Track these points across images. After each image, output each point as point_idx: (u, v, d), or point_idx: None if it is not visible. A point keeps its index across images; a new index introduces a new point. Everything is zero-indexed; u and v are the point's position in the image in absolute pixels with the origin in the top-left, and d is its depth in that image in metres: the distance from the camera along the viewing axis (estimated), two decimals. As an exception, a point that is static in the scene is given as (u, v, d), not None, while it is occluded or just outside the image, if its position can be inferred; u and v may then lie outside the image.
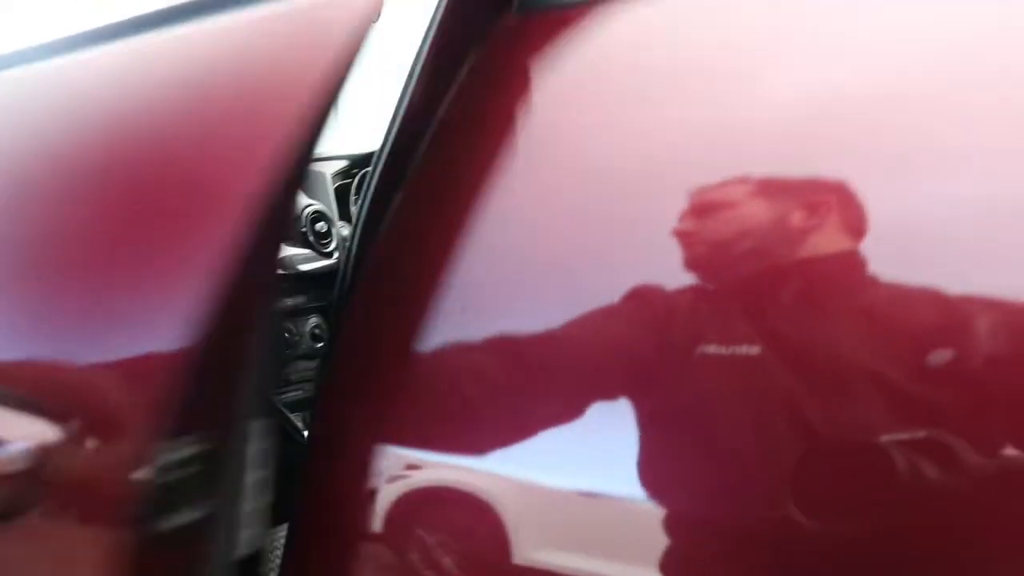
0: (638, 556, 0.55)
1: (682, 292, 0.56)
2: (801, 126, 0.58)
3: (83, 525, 0.80)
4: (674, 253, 0.56)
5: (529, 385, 0.62)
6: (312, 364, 1.79)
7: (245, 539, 0.89)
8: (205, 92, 0.80)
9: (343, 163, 2.01)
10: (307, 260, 1.76)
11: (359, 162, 2.05)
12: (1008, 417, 0.48)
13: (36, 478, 0.76)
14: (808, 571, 0.53)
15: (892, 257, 0.51)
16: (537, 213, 0.67)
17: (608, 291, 0.58)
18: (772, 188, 0.56)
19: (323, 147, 2.07)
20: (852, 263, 0.51)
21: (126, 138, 0.80)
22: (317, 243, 1.78)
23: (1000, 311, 0.49)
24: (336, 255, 1.83)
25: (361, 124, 2.11)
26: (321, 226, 1.80)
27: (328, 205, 1.88)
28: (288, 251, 1.73)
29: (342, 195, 1.98)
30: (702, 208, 0.56)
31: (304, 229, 1.77)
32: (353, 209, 2.01)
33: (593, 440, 0.58)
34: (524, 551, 0.60)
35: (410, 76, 0.80)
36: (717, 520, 0.55)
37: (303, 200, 1.82)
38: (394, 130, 0.81)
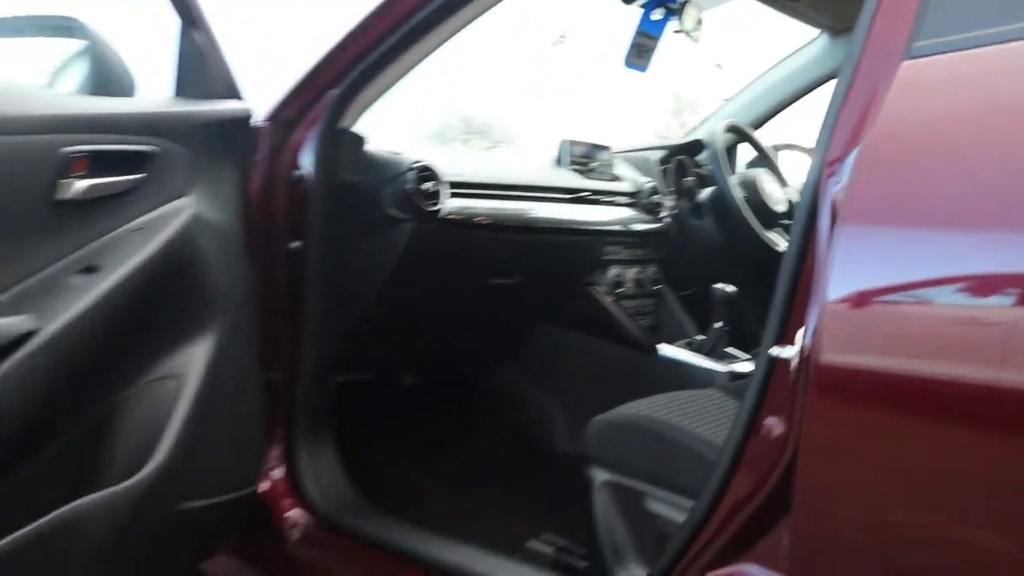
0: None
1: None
2: None
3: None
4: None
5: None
6: (650, 302, 2.34)
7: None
8: None
9: (663, 152, 2.56)
10: (642, 222, 2.32)
11: (674, 151, 2.59)
12: None
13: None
14: None
15: None
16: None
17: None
18: None
19: (644, 141, 2.64)
20: None
21: None
22: (652, 210, 2.34)
23: None
24: (664, 220, 2.38)
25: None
26: (656, 197, 2.35)
27: (658, 182, 2.43)
28: (628, 214, 2.30)
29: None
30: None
31: (645, 200, 2.33)
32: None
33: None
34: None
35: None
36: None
37: (642, 177, 2.39)
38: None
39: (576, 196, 2.14)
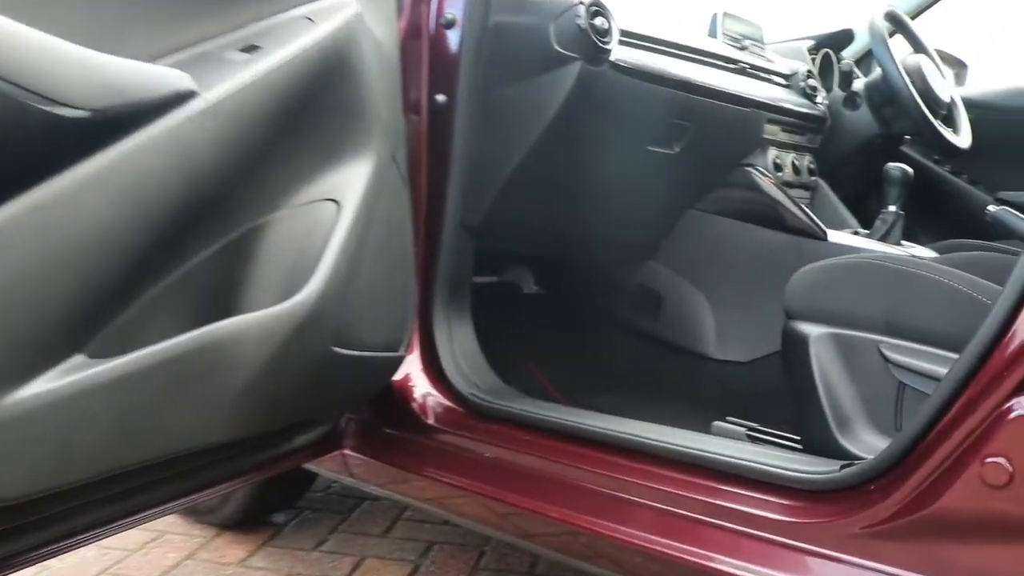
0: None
1: None
2: None
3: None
4: None
5: None
6: (806, 194, 2.06)
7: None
8: None
9: (811, 42, 2.28)
10: (800, 106, 2.04)
11: (822, 41, 2.31)
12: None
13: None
14: None
15: None
16: None
17: None
18: None
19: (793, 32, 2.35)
20: None
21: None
22: (808, 95, 2.07)
23: None
24: (821, 107, 2.10)
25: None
26: (812, 82, 2.08)
27: (811, 69, 2.15)
28: (786, 95, 2.02)
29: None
30: None
31: (801, 83, 2.05)
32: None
33: None
34: None
35: None
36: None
37: (795, 62, 2.11)
38: None
39: (737, 67, 1.87)
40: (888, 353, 1.19)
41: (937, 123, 2.03)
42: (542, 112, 1.55)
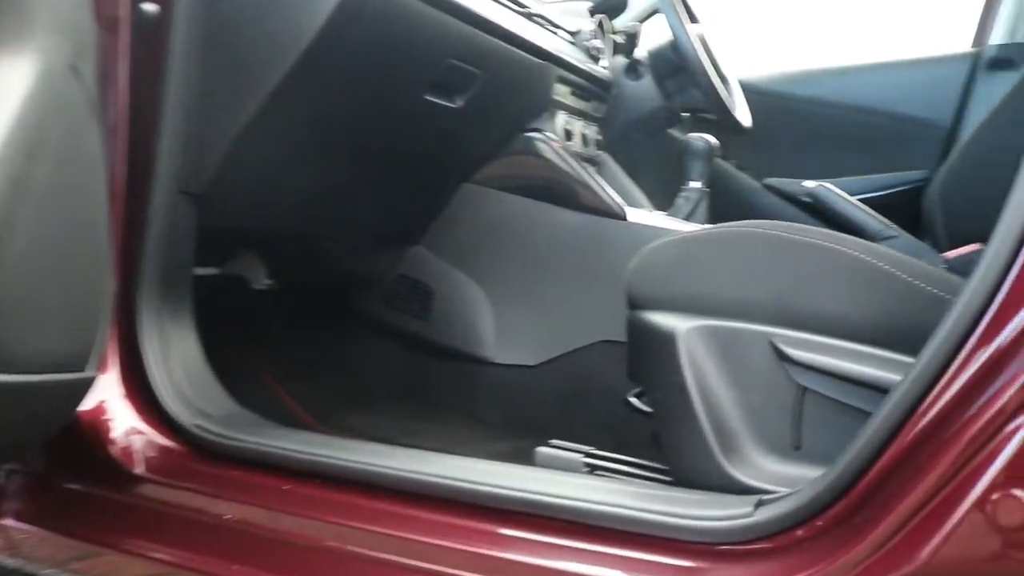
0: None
1: None
2: None
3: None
4: None
5: None
6: (592, 168, 1.78)
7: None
8: None
9: (589, 4, 2.01)
10: (589, 66, 1.77)
11: (598, 6, 2.04)
12: None
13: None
14: None
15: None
16: None
17: None
18: None
19: None
20: None
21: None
22: (595, 57, 1.80)
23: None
24: (606, 72, 1.84)
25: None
26: (597, 42, 1.81)
27: (595, 29, 1.88)
28: (574, 51, 1.73)
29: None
30: None
31: (585, 42, 1.78)
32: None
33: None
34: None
35: None
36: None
37: (578, 18, 1.83)
38: None
39: (524, 11, 1.53)
40: (785, 348, 0.90)
41: (724, 98, 1.83)
42: (295, 35, 1.12)
